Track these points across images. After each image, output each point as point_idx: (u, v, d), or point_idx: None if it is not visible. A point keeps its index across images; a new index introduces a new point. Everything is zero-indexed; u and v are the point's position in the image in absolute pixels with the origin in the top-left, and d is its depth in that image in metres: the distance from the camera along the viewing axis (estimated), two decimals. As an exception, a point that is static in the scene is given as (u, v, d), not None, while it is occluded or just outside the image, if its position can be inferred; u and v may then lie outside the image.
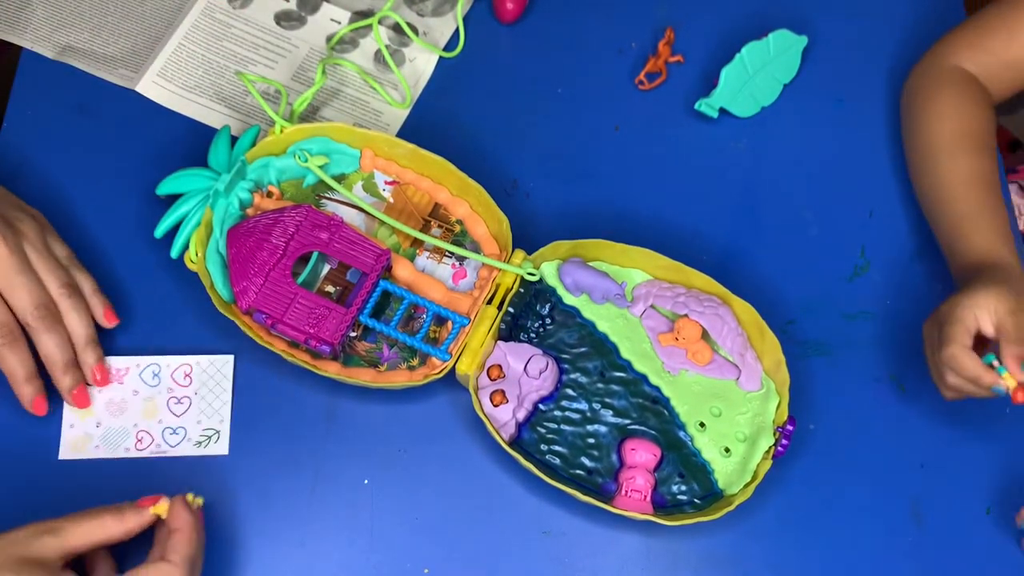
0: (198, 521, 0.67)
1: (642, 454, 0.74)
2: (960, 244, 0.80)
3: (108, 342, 0.76)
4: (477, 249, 0.80)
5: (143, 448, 0.74)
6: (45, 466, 0.73)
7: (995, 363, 0.72)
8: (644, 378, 0.77)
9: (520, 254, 0.77)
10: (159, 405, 0.75)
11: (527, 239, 0.79)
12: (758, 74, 0.88)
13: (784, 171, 0.88)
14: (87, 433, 0.74)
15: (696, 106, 0.87)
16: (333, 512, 0.74)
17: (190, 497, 0.67)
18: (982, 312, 0.73)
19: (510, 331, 0.77)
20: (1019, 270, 0.77)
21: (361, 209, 0.81)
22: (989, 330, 0.72)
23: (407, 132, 0.87)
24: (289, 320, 0.74)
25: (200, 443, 0.74)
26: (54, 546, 0.62)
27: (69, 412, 0.74)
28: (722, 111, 0.88)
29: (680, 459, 0.75)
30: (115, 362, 0.76)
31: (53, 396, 0.73)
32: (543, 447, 0.75)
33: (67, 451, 0.73)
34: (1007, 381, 0.71)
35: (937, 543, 0.76)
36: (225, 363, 0.77)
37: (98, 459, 0.73)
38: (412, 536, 0.73)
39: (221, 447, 0.74)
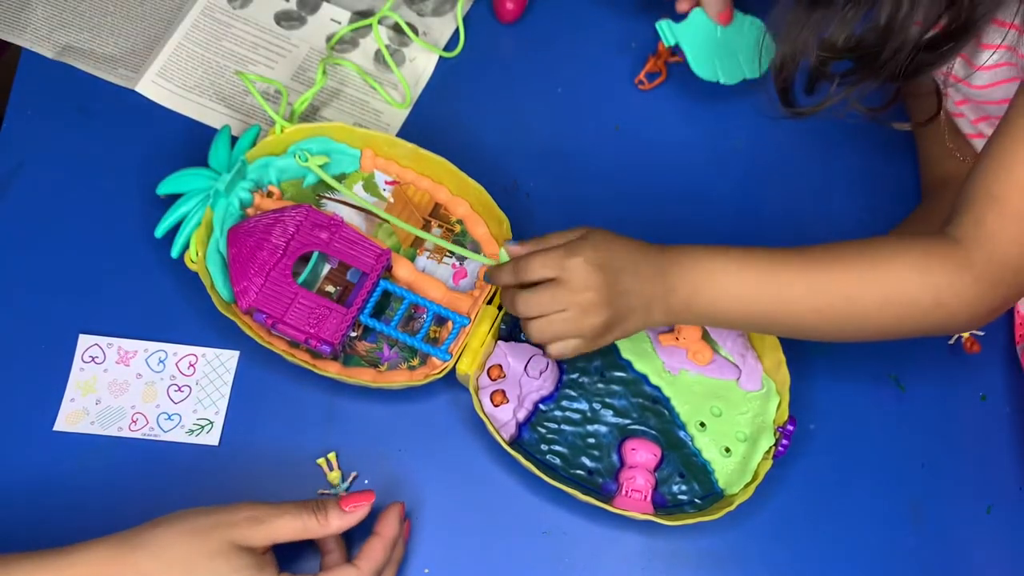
0: (402, 535, 0.69)
1: (642, 454, 0.74)
2: (921, 167, 0.84)
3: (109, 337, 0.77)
4: (477, 249, 0.80)
5: (136, 429, 0.75)
6: (39, 435, 0.74)
7: None
8: (644, 378, 0.77)
9: (520, 254, 0.77)
10: (159, 390, 0.76)
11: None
12: (727, 40, 0.86)
13: (784, 171, 0.88)
14: (84, 408, 0.75)
15: (657, 24, 0.86)
16: (333, 512, 0.74)
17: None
18: None
19: (510, 331, 0.77)
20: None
21: (362, 209, 0.81)
22: None
23: (407, 132, 0.87)
24: (289, 320, 0.74)
25: (192, 431, 0.75)
26: (262, 536, 0.64)
27: (72, 386, 0.75)
28: (696, 81, 0.87)
29: (680, 459, 0.75)
30: (124, 344, 0.77)
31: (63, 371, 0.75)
32: (543, 447, 0.75)
33: (62, 423, 0.75)
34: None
35: (937, 543, 0.76)
36: (230, 358, 0.77)
37: (91, 434, 0.75)
38: (412, 536, 0.73)
39: (212, 438, 0.75)
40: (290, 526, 0.65)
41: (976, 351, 0.76)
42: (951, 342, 0.78)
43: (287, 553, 0.69)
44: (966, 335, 0.76)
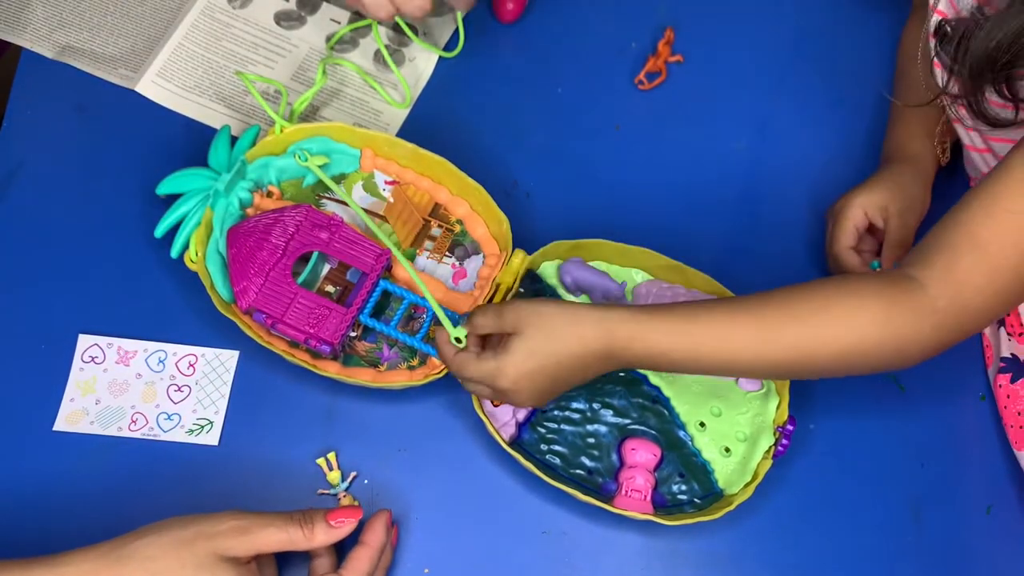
0: (389, 543, 0.69)
1: (642, 454, 0.74)
2: (886, 137, 0.84)
3: (109, 337, 0.77)
4: (477, 249, 0.80)
5: (136, 429, 0.75)
6: (39, 434, 0.74)
7: (879, 270, 0.77)
8: (644, 378, 0.77)
9: (520, 254, 0.77)
10: (159, 390, 0.76)
11: (527, 239, 0.79)
12: None
13: (784, 171, 0.88)
14: (84, 408, 0.75)
15: None
16: (333, 512, 0.74)
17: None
18: (872, 210, 0.76)
19: (510, 331, 0.77)
20: (928, 168, 0.78)
21: (358, 212, 0.81)
22: (880, 225, 0.76)
23: (407, 132, 0.87)
24: (289, 320, 0.74)
25: (192, 431, 0.75)
26: (247, 547, 0.64)
27: (72, 386, 0.75)
28: None
29: (680, 459, 0.75)
30: (124, 344, 0.77)
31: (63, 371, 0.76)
32: (543, 447, 0.75)
33: (62, 423, 0.75)
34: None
35: (937, 543, 0.76)
36: (230, 358, 0.77)
37: (90, 434, 0.75)
38: (412, 536, 0.73)
39: (212, 438, 0.75)
40: (275, 537, 0.64)
41: None
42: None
43: (276, 554, 0.68)
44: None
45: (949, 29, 0.66)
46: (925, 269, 0.63)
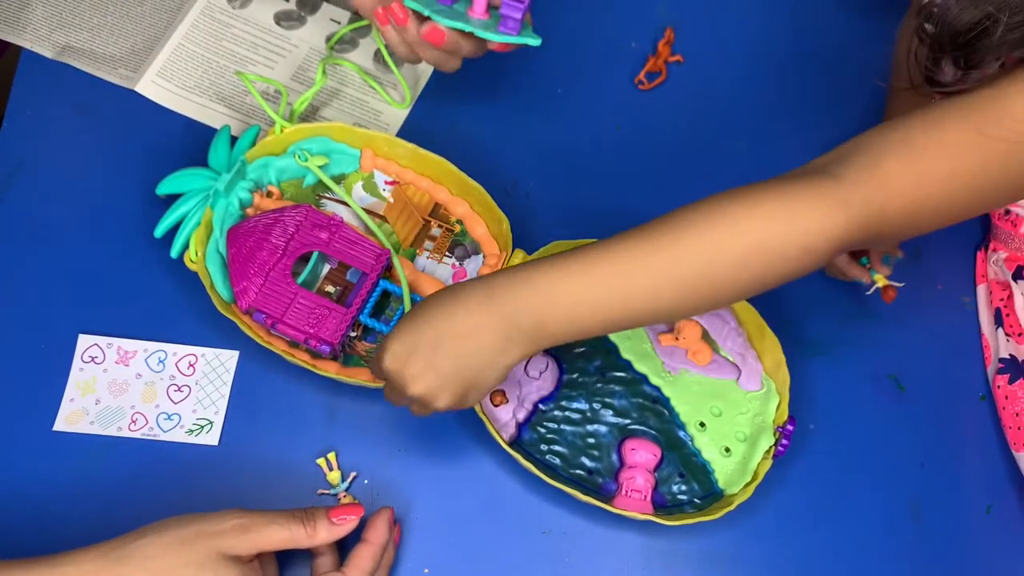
0: (392, 541, 0.69)
1: (642, 454, 0.74)
2: None
3: (109, 337, 0.77)
4: (477, 249, 0.80)
5: (135, 429, 0.75)
6: (39, 434, 0.74)
7: (868, 266, 0.78)
8: (644, 378, 0.77)
9: (520, 254, 0.77)
10: (159, 390, 0.76)
11: (527, 239, 0.79)
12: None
13: (783, 171, 0.88)
14: (84, 408, 0.75)
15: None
16: (333, 512, 0.74)
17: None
18: None
19: (510, 331, 0.77)
20: None
21: (363, 210, 0.81)
22: None
23: (407, 132, 0.87)
24: (289, 320, 0.74)
25: (192, 431, 0.75)
26: (248, 545, 0.64)
27: (72, 386, 0.75)
28: None
29: (680, 459, 0.75)
30: (124, 344, 0.77)
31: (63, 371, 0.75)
32: (543, 447, 0.75)
33: (62, 423, 0.75)
34: (877, 281, 0.76)
35: (937, 543, 0.76)
36: (230, 358, 0.77)
37: (90, 434, 0.75)
38: (412, 536, 0.73)
39: (212, 438, 0.75)
40: (277, 535, 0.64)
41: (893, 298, 0.77)
42: (868, 292, 0.78)
43: (278, 552, 0.68)
44: (883, 282, 0.77)
45: (933, 10, 0.66)
46: (843, 166, 0.60)
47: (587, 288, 0.61)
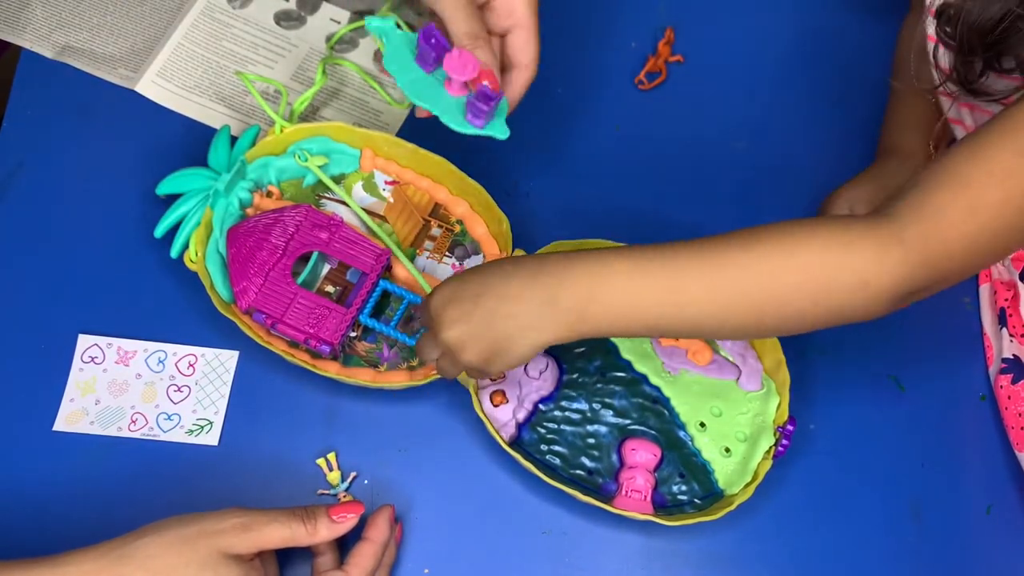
0: (393, 539, 0.69)
1: (642, 454, 0.74)
2: (881, 134, 0.84)
3: (109, 337, 0.77)
4: (478, 249, 0.80)
5: (135, 430, 0.75)
6: (39, 435, 0.74)
7: None
8: (644, 378, 0.77)
9: (520, 254, 0.77)
10: (159, 390, 0.76)
11: (527, 239, 0.79)
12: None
13: (784, 171, 0.88)
14: (84, 408, 0.75)
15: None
16: (333, 512, 0.74)
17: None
18: (858, 204, 0.75)
19: (510, 331, 0.77)
20: (920, 162, 0.79)
21: (358, 212, 0.81)
22: None
23: (407, 132, 0.87)
24: (289, 320, 0.74)
25: (192, 431, 0.75)
26: (250, 544, 0.64)
27: (72, 386, 0.75)
28: None
29: (680, 459, 0.75)
30: (124, 344, 0.77)
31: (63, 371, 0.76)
32: (543, 447, 0.75)
33: (61, 423, 0.75)
34: None
35: (937, 543, 0.76)
36: (229, 358, 0.77)
37: (90, 434, 0.75)
38: (412, 536, 0.73)
39: (211, 438, 0.75)
40: (278, 534, 0.64)
41: None
42: None
43: (278, 551, 0.69)
44: None
45: (952, 12, 0.66)
46: (899, 202, 0.59)
47: (636, 284, 0.61)
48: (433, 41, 0.67)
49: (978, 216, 0.58)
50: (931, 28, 0.71)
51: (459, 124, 0.69)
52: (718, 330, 0.64)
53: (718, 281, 0.60)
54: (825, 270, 0.59)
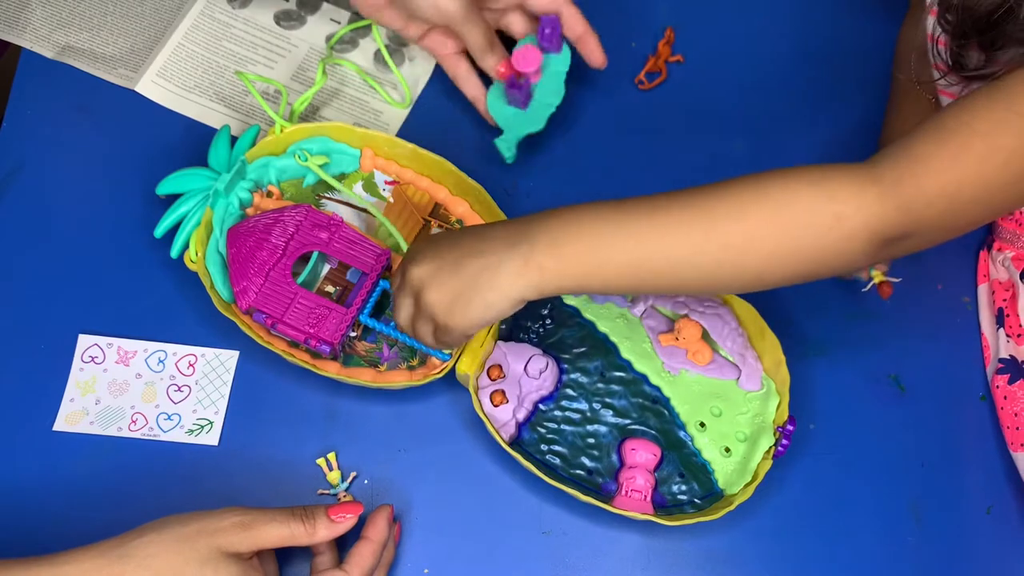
0: (392, 538, 0.69)
1: (642, 454, 0.74)
2: (882, 132, 0.85)
3: (109, 337, 0.77)
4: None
5: (135, 429, 0.75)
6: (39, 434, 0.75)
7: None
8: (644, 378, 0.77)
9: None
10: (159, 390, 0.76)
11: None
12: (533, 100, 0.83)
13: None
14: (84, 408, 0.75)
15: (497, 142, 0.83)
16: (333, 512, 0.74)
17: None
18: None
19: (510, 331, 0.77)
20: None
21: (362, 209, 0.81)
22: None
23: (407, 132, 0.87)
24: (289, 320, 0.74)
25: (192, 431, 0.75)
26: (249, 543, 0.64)
27: (72, 386, 0.75)
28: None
29: (680, 459, 0.75)
30: (124, 344, 0.77)
31: (63, 371, 0.75)
32: (543, 447, 0.75)
33: (61, 423, 0.75)
34: (874, 276, 0.75)
35: (937, 543, 0.76)
36: (229, 358, 0.77)
37: (90, 434, 0.75)
38: (412, 536, 0.73)
39: (212, 438, 0.75)
40: (277, 533, 0.64)
41: (889, 294, 0.76)
42: (865, 289, 0.77)
43: (278, 551, 0.69)
44: (879, 278, 0.76)
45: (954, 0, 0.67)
46: (880, 154, 0.60)
47: (606, 233, 0.60)
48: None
49: (959, 165, 0.58)
50: (931, 28, 0.71)
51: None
52: (695, 281, 0.63)
53: (694, 226, 0.60)
54: (799, 203, 0.59)
